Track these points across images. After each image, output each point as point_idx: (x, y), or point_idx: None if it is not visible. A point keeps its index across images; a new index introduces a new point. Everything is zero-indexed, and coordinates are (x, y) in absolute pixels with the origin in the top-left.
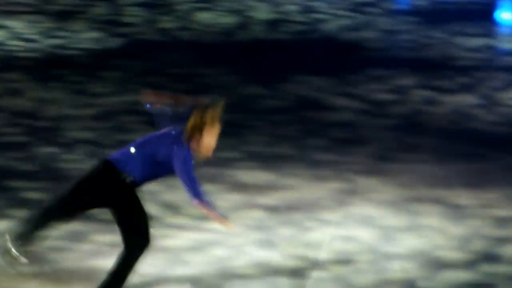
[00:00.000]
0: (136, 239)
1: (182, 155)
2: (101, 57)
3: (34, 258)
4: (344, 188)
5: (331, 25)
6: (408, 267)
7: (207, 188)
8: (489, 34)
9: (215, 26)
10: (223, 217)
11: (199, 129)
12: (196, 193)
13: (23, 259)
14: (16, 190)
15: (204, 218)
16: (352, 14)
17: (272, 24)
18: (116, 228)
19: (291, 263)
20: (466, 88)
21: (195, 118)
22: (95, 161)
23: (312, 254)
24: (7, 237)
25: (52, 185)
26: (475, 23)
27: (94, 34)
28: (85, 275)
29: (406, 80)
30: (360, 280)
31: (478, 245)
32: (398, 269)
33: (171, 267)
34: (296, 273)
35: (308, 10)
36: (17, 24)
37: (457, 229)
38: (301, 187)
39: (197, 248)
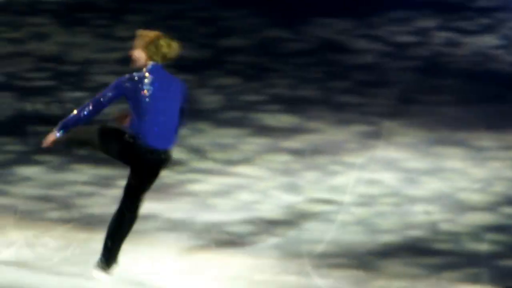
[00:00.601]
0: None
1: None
2: (126, 1)
3: (62, 204)
4: (368, 131)
5: None
6: (431, 210)
7: (232, 132)
8: None
9: None
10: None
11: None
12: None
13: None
14: (43, 135)
15: (231, 162)
16: None
17: None
18: None
19: (316, 207)
20: (487, 29)
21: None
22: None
23: (337, 197)
24: None
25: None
26: None
27: None
28: (109, 221)
29: (428, 22)
30: (384, 223)
31: (500, 187)
32: (421, 212)
33: (198, 211)
34: (322, 216)
35: None
36: None
37: (479, 172)
38: (325, 130)
39: (223, 192)
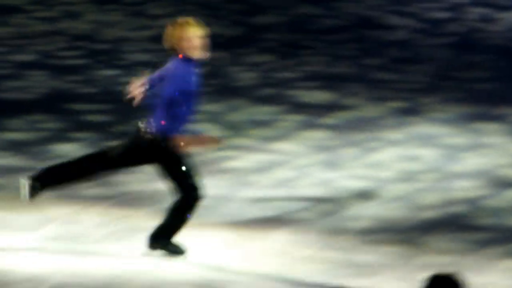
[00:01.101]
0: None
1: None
2: None
3: (100, 181)
4: (404, 107)
5: None
6: (471, 186)
7: (268, 109)
8: None
9: None
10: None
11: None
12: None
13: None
14: (77, 113)
15: (268, 139)
16: None
17: None
18: None
19: (355, 183)
20: None
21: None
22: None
23: (376, 174)
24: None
25: (113, 107)
26: None
27: None
28: (149, 198)
29: None
30: (424, 199)
31: None
32: (461, 188)
33: (236, 188)
34: (361, 193)
35: None
36: None
37: None
38: (362, 107)
39: (261, 169)
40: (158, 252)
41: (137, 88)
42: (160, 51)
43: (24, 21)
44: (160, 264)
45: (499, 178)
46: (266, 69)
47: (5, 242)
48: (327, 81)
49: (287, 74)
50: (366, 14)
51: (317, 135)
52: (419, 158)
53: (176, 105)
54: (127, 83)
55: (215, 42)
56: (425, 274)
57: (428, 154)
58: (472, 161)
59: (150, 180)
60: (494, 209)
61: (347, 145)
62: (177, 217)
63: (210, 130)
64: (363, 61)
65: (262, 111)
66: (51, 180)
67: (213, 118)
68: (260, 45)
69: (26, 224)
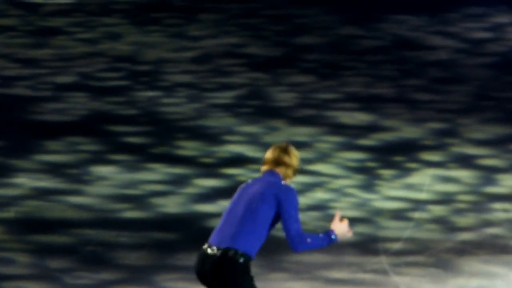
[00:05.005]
0: None
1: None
2: (197, 0)
3: (137, 203)
4: (443, 128)
5: None
6: (509, 207)
7: (307, 130)
8: None
9: None
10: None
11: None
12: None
13: None
14: (117, 135)
15: (306, 160)
16: None
17: None
18: (217, 171)
19: (393, 204)
20: None
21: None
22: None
23: (414, 195)
24: None
25: (153, 129)
26: None
27: None
28: (188, 220)
29: (503, 18)
30: (461, 221)
31: None
32: (499, 209)
33: None
34: (398, 214)
35: None
36: None
37: None
38: (401, 128)
39: (299, 191)
40: None
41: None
42: (200, 72)
43: (65, 43)
44: None
45: None
46: (306, 89)
47: None
48: (367, 102)
49: (327, 95)
50: (407, 35)
51: (356, 156)
52: (456, 180)
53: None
54: (168, 104)
55: (255, 63)
56: None
57: (466, 175)
58: (510, 183)
59: (185, 203)
60: None
61: (385, 166)
62: None
63: (249, 151)
64: (403, 82)
65: (301, 132)
66: None
67: (252, 140)
68: (301, 65)
69: None
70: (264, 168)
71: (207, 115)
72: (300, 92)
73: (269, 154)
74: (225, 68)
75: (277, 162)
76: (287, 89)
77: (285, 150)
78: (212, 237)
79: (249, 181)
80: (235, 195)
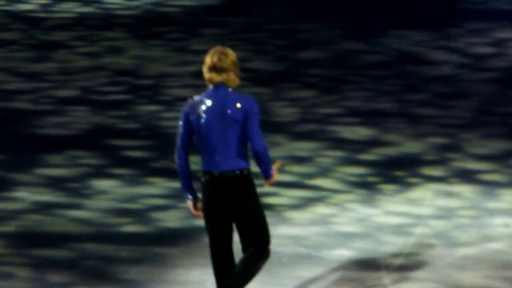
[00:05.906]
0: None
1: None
2: (200, 14)
3: (138, 217)
4: (445, 143)
5: None
6: (510, 223)
7: (308, 145)
8: None
9: None
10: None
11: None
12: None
13: None
14: (118, 149)
15: (307, 175)
16: None
17: None
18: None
19: (394, 219)
20: None
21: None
22: None
23: (415, 210)
24: None
25: (154, 143)
26: None
27: None
28: (188, 234)
29: (506, 33)
30: (463, 236)
31: None
32: (500, 225)
33: (274, 225)
34: (399, 229)
35: None
36: None
37: None
38: (403, 143)
39: (300, 206)
40: None
41: None
42: (202, 86)
43: (67, 57)
44: None
45: None
46: (307, 104)
47: None
48: (369, 116)
49: (328, 110)
50: (409, 49)
51: (357, 171)
52: (458, 194)
53: None
54: (169, 118)
55: (257, 77)
56: None
57: (467, 191)
58: (511, 198)
59: (186, 217)
60: None
61: (386, 181)
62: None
63: (250, 166)
64: (405, 96)
65: (303, 147)
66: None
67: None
68: (303, 80)
69: None
70: (208, 77)
71: None
72: (301, 107)
73: (208, 59)
74: None
75: (219, 68)
76: (288, 104)
77: (223, 53)
78: (212, 165)
79: (197, 99)
80: (194, 120)
